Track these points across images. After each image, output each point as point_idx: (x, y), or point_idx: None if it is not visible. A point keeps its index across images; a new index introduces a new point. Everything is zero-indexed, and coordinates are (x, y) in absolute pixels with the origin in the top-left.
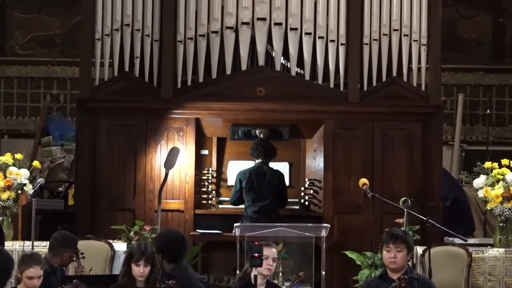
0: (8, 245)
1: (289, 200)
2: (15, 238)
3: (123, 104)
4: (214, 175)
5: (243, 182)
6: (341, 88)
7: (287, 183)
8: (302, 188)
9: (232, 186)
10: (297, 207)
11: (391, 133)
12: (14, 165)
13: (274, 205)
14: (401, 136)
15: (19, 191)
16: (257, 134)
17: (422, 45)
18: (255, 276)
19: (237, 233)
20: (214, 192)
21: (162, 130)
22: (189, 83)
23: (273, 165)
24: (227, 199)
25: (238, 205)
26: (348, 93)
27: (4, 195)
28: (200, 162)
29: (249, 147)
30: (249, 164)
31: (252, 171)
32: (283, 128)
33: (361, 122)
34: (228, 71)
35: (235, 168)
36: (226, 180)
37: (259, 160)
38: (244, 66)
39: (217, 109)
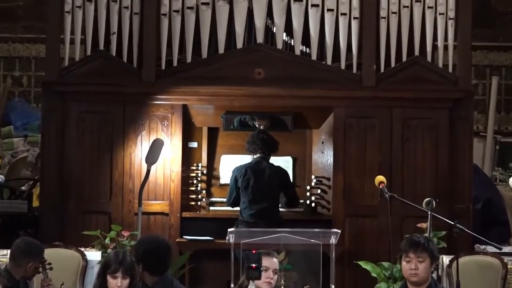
0: None
1: None
2: None
3: (97, 88)
4: (205, 172)
5: (239, 180)
6: (354, 70)
7: None
8: (308, 187)
9: (225, 185)
10: (302, 209)
11: (412, 122)
12: None
13: (275, 207)
14: (425, 126)
15: None
16: (256, 124)
17: (449, 19)
18: None
19: (232, 240)
20: (204, 191)
21: (143, 119)
22: (175, 63)
23: (274, 160)
24: (220, 199)
25: (236, 206)
26: (362, 76)
27: None
28: (188, 157)
29: (245, 141)
30: (245, 159)
31: (249, 168)
32: (286, 117)
33: (378, 110)
34: (221, 49)
35: (229, 164)
36: (218, 178)
37: (257, 155)
38: (239, 44)
39: (208, 94)
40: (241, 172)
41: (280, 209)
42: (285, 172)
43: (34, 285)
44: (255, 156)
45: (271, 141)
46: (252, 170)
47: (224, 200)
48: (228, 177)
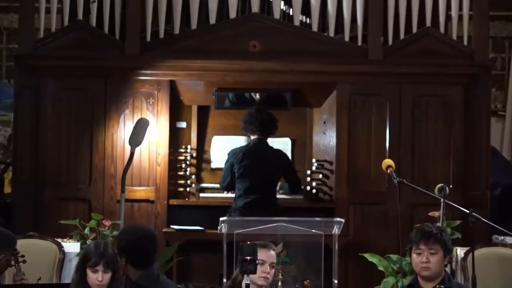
0: None
1: None
2: None
3: (76, 63)
4: (194, 155)
5: (235, 165)
6: (359, 42)
7: None
8: (308, 172)
9: (217, 169)
10: (301, 196)
11: (424, 100)
12: None
13: (272, 196)
14: (437, 104)
15: None
16: (254, 98)
17: None
18: (247, 286)
19: (224, 230)
20: (193, 176)
21: (126, 96)
22: (161, 35)
23: (270, 142)
24: (211, 185)
25: (229, 190)
26: (368, 49)
27: None
28: (175, 138)
29: (241, 119)
30: (239, 140)
31: (246, 152)
32: (284, 94)
33: (385, 87)
34: (213, 19)
35: (221, 146)
36: (209, 161)
37: (255, 137)
38: (233, 14)
39: (198, 69)
40: (238, 158)
41: (280, 196)
42: (286, 156)
43: (5, 279)
44: (252, 138)
45: (270, 121)
46: (250, 155)
47: (216, 186)
48: (221, 160)
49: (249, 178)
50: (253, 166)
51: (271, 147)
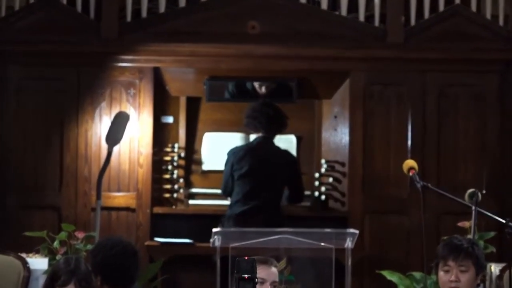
0: None
1: None
2: None
3: (43, 47)
4: (182, 155)
5: (235, 165)
6: (376, 23)
7: None
8: (317, 175)
9: (209, 171)
10: (309, 203)
11: (452, 91)
12: None
13: (276, 204)
14: (468, 95)
15: None
16: (257, 90)
17: None
18: None
19: (217, 243)
20: (182, 180)
21: (103, 86)
22: (144, 14)
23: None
24: (202, 191)
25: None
26: (387, 31)
27: None
28: (161, 135)
29: (244, 114)
30: (235, 138)
31: (248, 151)
32: (288, 84)
33: (407, 75)
34: None
35: (214, 144)
36: (200, 163)
37: (259, 134)
38: None
39: (186, 54)
40: (238, 156)
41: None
42: (294, 160)
43: None
44: (256, 136)
45: (278, 118)
46: (252, 154)
47: (208, 191)
48: (213, 161)
49: (250, 181)
50: (255, 167)
51: (278, 147)
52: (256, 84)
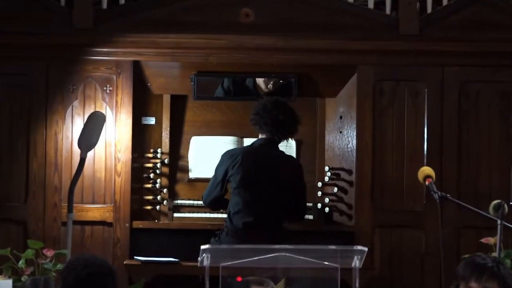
0: None
1: None
2: None
3: (7, 39)
4: (166, 162)
5: (231, 170)
6: (387, 11)
7: None
8: (320, 184)
9: (197, 180)
10: (311, 216)
11: (474, 87)
12: None
13: (282, 215)
14: (492, 92)
15: None
16: (260, 84)
17: None
18: None
19: (206, 262)
20: (165, 190)
21: (75, 82)
22: (122, 1)
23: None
24: (189, 202)
25: (218, 209)
26: (400, 20)
27: None
28: (141, 139)
29: (252, 111)
30: (227, 141)
31: (248, 154)
32: (286, 80)
33: (423, 70)
34: None
35: (202, 149)
36: (186, 170)
37: (263, 136)
38: None
39: (170, 45)
40: (236, 160)
41: None
42: (299, 167)
43: None
44: (260, 137)
45: (287, 123)
46: (253, 158)
47: (196, 202)
48: (201, 169)
49: (252, 189)
50: (257, 172)
51: (282, 152)
52: (260, 81)
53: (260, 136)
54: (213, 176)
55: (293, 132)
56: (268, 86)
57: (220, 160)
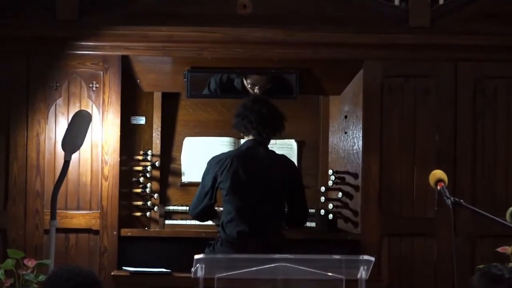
0: None
1: None
2: None
3: None
4: (157, 165)
5: (220, 177)
6: (397, 2)
7: None
8: (323, 189)
9: (191, 184)
10: (314, 224)
11: (491, 84)
12: None
13: (279, 220)
14: (509, 89)
15: None
16: (247, 85)
17: None
18: None
19: (200, 273)
20: (156, 196)
21: (58, 79)
22: None
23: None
24: (181, 208)
25: (206, 220)
26: (409, 11)
27: None
28: (130, 140)
29: (234, 114)
30: (222, 143)
31: (236, 158)
32: (287, 77)
33: (434, 65)
34: None
35: (196, 151)
36: (179, 174)
37: (250, 138)
38: None
39: (162, 39)
40: (224, 165)
41: None
42: (295, 167)
43: None
44: (246, 139)
45: (273, 118)
46: (242, 162)
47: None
48: (195, 172)
49: (243, 195)
50: (248, 176)
51: (273, 152)
52: (247, 82)
53: (246, 139)
54: (200, 186)
55: (280, 128)
56: (255, 89)
57: (207, 167)
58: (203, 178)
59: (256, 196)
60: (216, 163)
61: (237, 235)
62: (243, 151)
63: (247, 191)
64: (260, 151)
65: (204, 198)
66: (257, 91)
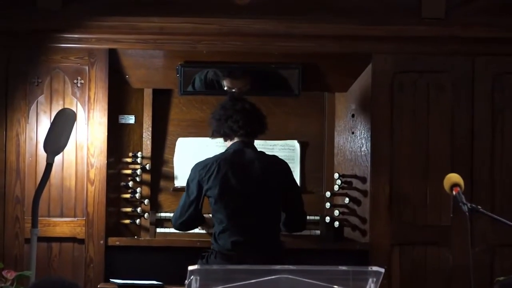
0: None
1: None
2: None
3: None
4: (148, 168)
5: (207, 184)
6: None
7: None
8: (328, 194)
9: (184, 189)
10: (318, 232)
11: (510, 80)
12: None
13: (274, 226)
14: None
15: None
16: (224, 84)
17: None
18: None
19: (195, 285)
20: (147, 201)
21: (39, 74)
22: None
23: (266, 146)
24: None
25: (190, 229)
26: (422, 1)
27: None
28: (118, 141)
29: (210, 118)
30: (221, 145)
31: (223, 162)
32: (289, 72)
33: (449, 59)
34: None
35: (190, 153)
36: (171, 177)
37: (235, 140)
38: None
39: (153, 31)
40: (211, 171)
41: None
42: (287, 166)
43: None
44: (231, 142)
45: (258, 115)
46: (231, 164)
47: None
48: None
49: (234, 201)
50: (238, 181)
51: (263, 153)
52: (224, 84)
53: (230, 142)
54: (184, 194)
55: (265, 126)
56: (228, 81)
57: (191, 174)
58: (187, 186)
59: (249, 202)
60: (201, 169)
61: (232, 246)
62: (230, 154)
63: (239, 198)
64: (248, 153)
65: (189, 208)
66: (236, 89)
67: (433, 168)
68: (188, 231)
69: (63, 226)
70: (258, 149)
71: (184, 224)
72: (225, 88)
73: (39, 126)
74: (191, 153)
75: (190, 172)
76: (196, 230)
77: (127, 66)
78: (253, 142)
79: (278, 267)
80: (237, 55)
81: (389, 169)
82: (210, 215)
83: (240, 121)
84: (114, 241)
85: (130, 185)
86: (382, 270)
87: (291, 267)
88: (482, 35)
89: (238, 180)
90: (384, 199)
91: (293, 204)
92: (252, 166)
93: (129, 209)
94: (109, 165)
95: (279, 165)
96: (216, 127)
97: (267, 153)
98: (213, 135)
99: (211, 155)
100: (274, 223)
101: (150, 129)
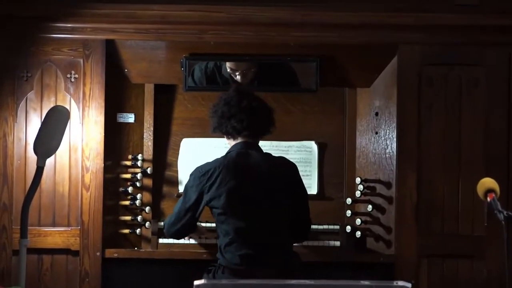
0: None
1: (322, 227)
2: None
3: None
4: (149, 171)
5: (208, 193)
6: None
7: (309, 188)
8: (349, 201)
9: None
10: (338, 242)
11: None
12: None
13: (286, 237)
14: None
15: None
16: (230, 73)
17: None
18: None
19: None
20: (148, 209)
21: (29, 67)
22: None
23: (280, 148)
24: None
25: (183, 238)
26: None
27: None
28: (117, 142)
29: (210, 113)
30: (228, 147)
31: (227, 168)
32: (306, 65)
33: (483, 51)
34: None
35: (195, 155)
36: (175, 182)
37: (238, 140)
38: None
39: (154, 20)
40: (213, 178)
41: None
42: (295, 169)
43: None
44: (234, 142)
45: (266, 111)
46: (235, 170)
47: None
48: None
49: (242, 211)
50: (245, 188)
51: (269, 154)
52: (227, 65)
53: (233, 142)
54: (180, 200)
55: (273, 123)
56: (236, 77)
57: (190, 180)
58: (185, 191)
59: (257, 211)
60: (202, 175)
61: (240, 261)
62: (234, 158)
63: (247, 207)
64: (254, 156)
65: (185, 216)
66: (239, 77)
67: (466, 172)
68: (195, 241)
69: (56, 236)
70: (270, 151)
71: (178, 232)
72: (228, 71)
73: (29, 125)
74: (196, 155)
75: (189, 177)
76: (202, 241)
77: (126, 59)
78: (258, 142)
79: (293, 282)
80: (247, 46)
81: (416, 174)
82: (203, 224)
83: (245, 121)
84: (111, 253)
85: (130, 191)
86: (409, 285)
87: (307, 281)
88: None
89: (244, 188)
90: (411, 207)
91: (297, 211)
92: (258, 171)
93: (128, 218)
94: (106, 169)
95: (288, 168)
96: (218, 124)
97: (281, 155)
98: (214, 131)
99: (219, 155)
100: (286, 233)
101: (152, 128)
